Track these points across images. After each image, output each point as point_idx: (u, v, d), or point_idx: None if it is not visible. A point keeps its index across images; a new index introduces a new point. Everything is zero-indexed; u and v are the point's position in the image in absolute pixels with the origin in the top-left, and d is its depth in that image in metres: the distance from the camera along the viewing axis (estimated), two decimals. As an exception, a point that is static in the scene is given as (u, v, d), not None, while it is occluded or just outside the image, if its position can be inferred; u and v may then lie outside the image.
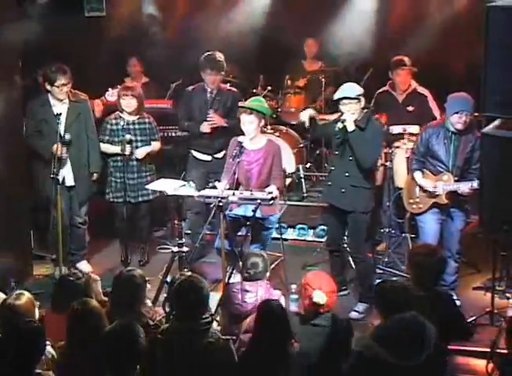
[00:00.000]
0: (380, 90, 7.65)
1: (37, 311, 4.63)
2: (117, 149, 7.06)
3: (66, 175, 6.89)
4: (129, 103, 7.09)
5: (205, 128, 7.15)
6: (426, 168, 6.36)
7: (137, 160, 7.14)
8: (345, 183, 6.18)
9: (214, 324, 4.46)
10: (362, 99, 6.14)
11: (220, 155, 7.14)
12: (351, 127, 6.05)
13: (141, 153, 7.14)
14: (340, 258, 6.50)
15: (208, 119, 7.10)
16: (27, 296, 4.58)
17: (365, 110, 6.16)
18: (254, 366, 4.21)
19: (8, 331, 4.02)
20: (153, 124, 7.28)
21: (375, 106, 7.59)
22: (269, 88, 8.61)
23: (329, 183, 6.38)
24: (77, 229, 7.10)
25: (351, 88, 6.15)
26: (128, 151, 7.00)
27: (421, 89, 7.46)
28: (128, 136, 6.97)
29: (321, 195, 6.58)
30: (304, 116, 6.34)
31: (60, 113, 6.71)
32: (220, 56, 7.16)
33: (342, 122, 6.05)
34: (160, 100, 8.48)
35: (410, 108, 7.40)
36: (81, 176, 6.98)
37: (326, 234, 6.84)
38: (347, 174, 6.17)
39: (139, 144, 7.15)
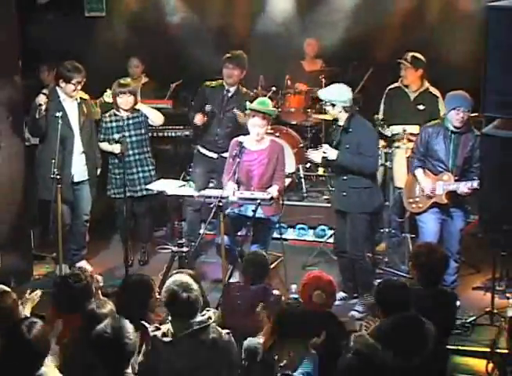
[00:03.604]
0: (392, 86, 7.59)
1: (20, 309, 4.60)
2: (111, 147, 7.05)
3: (76, 171, 6.91)
4: (126, 101, 7.08)
5: (198, 119, 7.17)
6: (426, 167, 6.36)
7: (134, 154, 7.12)
8: (345, 186, 6.21)
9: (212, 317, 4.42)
10: (340, 103, 6.13)
11: (227, 154, 7.14)
12: (332, 156, 6.14)
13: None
14: (348, 260, 6.43)
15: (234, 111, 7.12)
16: (11, 296, 4.55)
17: (347, 113, 6.17)
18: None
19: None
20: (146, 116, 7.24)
21: (385, 101, 7.59)
22: (274, 88, 8.61)
23: (333, 189, 6.41)
24: (81, 227, 7.09)
25: (328, 91, 6.25)
26: (117, 150, 6.97)
27: (433, 89, 7.42)
28: (116, 135, 6.94)
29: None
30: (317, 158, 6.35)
31: (66, 111, 6.75)
32: (242, 53, 7.21)
33: (323, 159, 6.19)
34: (160, 100, 8.48)
35: (421, 107, 7.36)
36: (92, 172, 7.04)
37: (333, 236, 6.82)
38: (345, 178, 6.21)
39: (134, 138, 7.13)
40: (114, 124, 7.13)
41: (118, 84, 7.16)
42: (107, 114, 7.18)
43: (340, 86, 6.27)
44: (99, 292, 5.14)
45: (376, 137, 6.47)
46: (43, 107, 6.67)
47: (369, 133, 6.33)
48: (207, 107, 7.18)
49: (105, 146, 7.16)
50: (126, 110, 7.13)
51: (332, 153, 6.15)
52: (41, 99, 6.70)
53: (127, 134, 7.07)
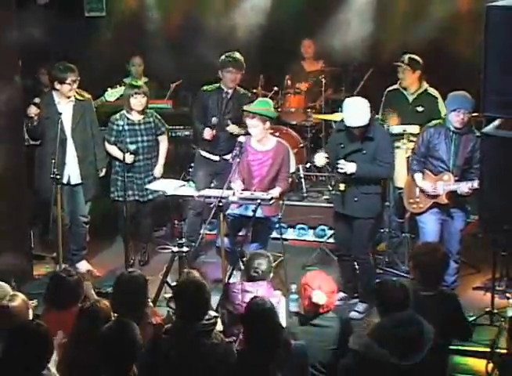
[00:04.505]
0: (391, 88, 7.58)
1: (30, 312, 4.63)
2: (120, 155, 6.98)
3: (72, 173, 6.91)
4: (140, 102, 7.08)
5: (207, 134, 7.18)
6: (426, 168, 6.37)
7: (144, 160, 7.15)
8: (357, 192, 6.19)
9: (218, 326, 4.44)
10: (368, 117, 6.07)
11: (228, 156, 7.15)
12: (350, 169, 6.08)
13: (158, 172, 7.21)
14: (349, 262, 6.46)
15: (228, 129, 7.16)
16: (21, 297, 4.57)
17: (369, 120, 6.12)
18: (248, 366, 4.19)
19: (6, 333, 4.00)
20: (157, 119, 7.26)
21: (384, 103, 7.59)
22: (275, 88, 8.63)
23: (338, 193, 6.31)
24: (80, 228, 7.09)
25: (357, 117, 6.06)
26: (129, 160, 6.97)
27: (432, 90, 7.40)
28: (132, 147, 6.95)
29: (333, 204, 6.56)
30: (320, 161, 6.31)
31: (61, 113, 6.75)
32: (239, 55, 7.22)
33: (342, 180, 6.12)
34: (160, 100, 8.48)
35: (420, 108, 7.35)
36: (88, 174, 7.02)
37: (334, 239, 6.81)
38: (356, 184, 6.18)
39: (145, 144, 7.15)
40: (127, 127, 7.09)
41: (131, 85, 7.19)
42: (117, 116, 7.15)
43: (360, 104, 6.14)
44: (93, 292, 5.15)
45: (391, 142, 6.48)
46: (35, 118, 6.73)
47: (387, 139, 6.34)
48: (214, 120, 7.17)
49: (114, 150, 7.14)
50: (138, 112, 7.12)
51: (350, 167, 6.08)
52: (32, 111, 6.75)
53: (139, 139, 7.09)
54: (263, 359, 4.09)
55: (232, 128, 7.16)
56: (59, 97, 6.84)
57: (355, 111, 6.09)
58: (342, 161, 6.11)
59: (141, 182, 7.16)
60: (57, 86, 6.80)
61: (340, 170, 6.11)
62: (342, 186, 6.15)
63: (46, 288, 4.97)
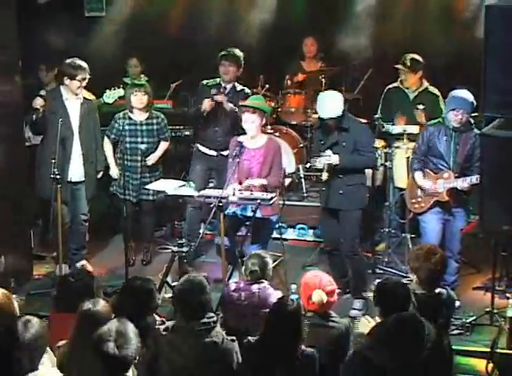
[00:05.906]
0: (391, 86, 7.59)
1: (16, 305, 4.60)
2: (112, 167, 7.10)
3: (75, 171, 6.91)
4: (141, 99, 7.08)
5: (206, 104, 7.17)
6: (427, 166, 6.38)
7: (142, 161, 7.15)
8: (341, 185, 6.23)
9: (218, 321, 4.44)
10: (341, 110, 6.16)
11: (226, 152, 7.16)
12: (335, 160, 6.15)
13: (152, 159, 7.17)
14: (339, 257, 6.49)
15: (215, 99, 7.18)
16: (1, 292, 4.54)
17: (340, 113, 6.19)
18: (258, 366, 4.19)
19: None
20: (163, 123, 7.25)
21: (384, 101, 7.59)
22: (267, 86, 8.65)
23: (324, 188, 6.40)
24: (80, 226, 7.07)
25: (329, 109, 6.18)
26: (115, 175, 7.09)
27: (432, 89, 7.40)
28: (143, 146, 7.03)
29: (319, 200, 6.60)
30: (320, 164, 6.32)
31: (67, 111, 6.78)
32: (238, 52, 7.28)
33: (326, 170, 6.15)
34: (160, 100, 8.48)
35: (420, 107, 7.36)
36: (89, 173, 7.01)
37: (322, 236, 6.82)
38: (341, 176, 6.23)
39: (145, 146, 7.13)
40: (127, 127, 7.11)
41: (133, 84, 7.24)
42: (120, 115, 7.17)
43: (332, 97, 6.29)
44: (101, 292, 5.13)
45: (370, 131, 6.55)
46: (40, 110, 6.71)
47: (364, 129, 6.44)
48: (213, 91, 7.21)
49: (109, 151, 7.15)
50: (141, 110, 7.12)
51: (334, 158, 6.16)
52: (38, 102, 6.74)
53: (139, 140, 7.09)
54: (273, 359, 4.10)
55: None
56: (67, 93, 6.83)
57: (327, 103, 6.23)
58: (328, 151, 6.18)
59: (136, 182, 7.15)
60: (66, 82, 6.79)
61: (326, 160, 6.15)
62: (325, 176, 6.18)
63: (56, 292, 4.94)
